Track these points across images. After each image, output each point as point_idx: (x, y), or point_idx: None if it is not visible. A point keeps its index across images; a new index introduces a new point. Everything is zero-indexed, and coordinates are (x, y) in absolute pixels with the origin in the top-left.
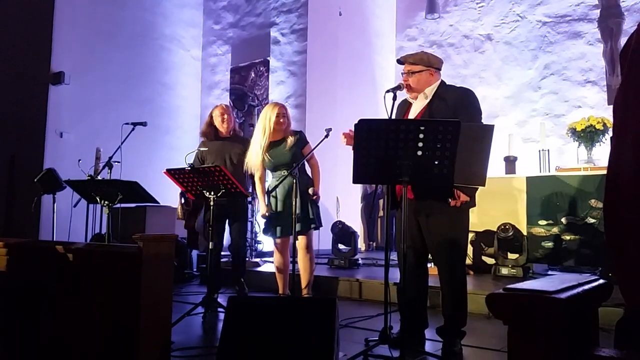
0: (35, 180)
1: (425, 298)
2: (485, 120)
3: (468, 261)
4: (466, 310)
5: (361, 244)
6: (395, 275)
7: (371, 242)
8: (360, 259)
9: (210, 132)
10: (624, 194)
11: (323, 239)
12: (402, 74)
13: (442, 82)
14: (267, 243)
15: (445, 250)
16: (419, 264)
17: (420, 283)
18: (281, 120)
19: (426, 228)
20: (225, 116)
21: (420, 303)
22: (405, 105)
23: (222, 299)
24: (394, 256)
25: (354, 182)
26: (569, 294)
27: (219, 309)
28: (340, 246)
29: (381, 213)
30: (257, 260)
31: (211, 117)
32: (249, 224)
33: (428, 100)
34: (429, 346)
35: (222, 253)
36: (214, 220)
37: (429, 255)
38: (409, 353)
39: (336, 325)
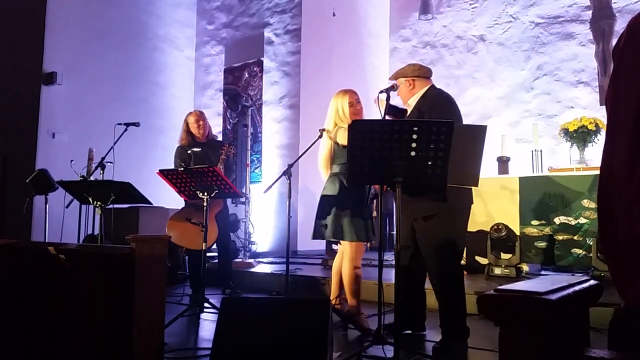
0: (27, 180)
1: (422, 293)
2: (478, 121)
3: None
4: (460, 314)
5: None
6: (388, 275)
7: (365, 243)
8: None
9: (187, 138)
10: (616, 191)
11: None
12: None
13: (427, 90)
14: (260, 244)
15: (435, 256)
16: (415, 263)
17: (418, 282)
18: (358, 108)
19: (418, 231)
20: (201, 122)
21: (417, 300)
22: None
23: (215, 300)
24: (387, 256)
25: (349, 183)
26: (559, 295)
27: (212, 310)
28: (334, 247)
29: (375, 214)
30: (251, 260)
31: (187, 123)
32: (242, 224)
33: (410, 109)
34: (427, 347)
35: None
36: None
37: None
38: (403, 352)
39: (330, 326)
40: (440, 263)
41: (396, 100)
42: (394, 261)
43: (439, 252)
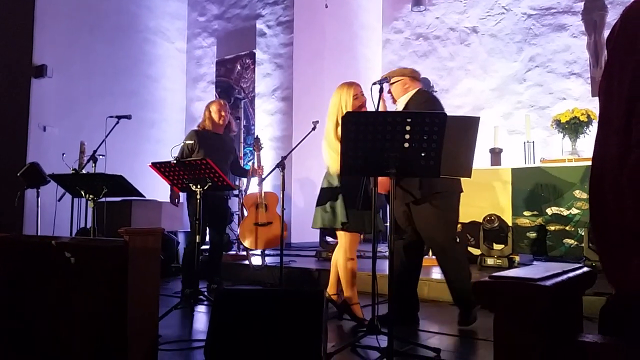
0: (19, 174)
1: (416, 282)
2: (470, 112)
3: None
4: (468, 282)
5: None
6: (382, 266)
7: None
8: None
9: (209, 126)
10: (608, 179)
11: (311, 231)
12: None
13: (417, 91)
14: None
15: (434, 234)
16: (410, 253)
17: (414, 272)
18: (364, 101)
19: (414, 213)
20: (222, 112)
21: (411, 292)
22: None
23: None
24: (381, 248)
25: (342, 174)
26: (554, 281)
27: (206, 302)
28: (328, 238)
29: None
30: (245, 253)
31: (209, 111)
32: (236, 217)
33: (402, 107)
34: (420, 337)
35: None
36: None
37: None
38: (397, 342)
39: (324, 317)
40: (440, 240)
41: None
42: (387, 252)
43: (436, 231)
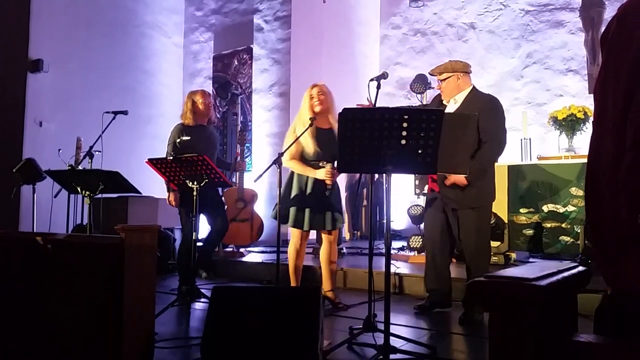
0: (14, 170)
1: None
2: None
3: None
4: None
5: (345, 233)
6: (379, 264)
7: (355, 232)
8: (344, 248)
9: (192, 117)
10: (604, 177)
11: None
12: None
13: (473, 88)
14: None
15: (475, 241)
16: (445, 253)
17: (448, 268)
18: (321, 98)
19: (462, 218)
20: (208, 102)
21: (449, 282)
22: (440, 107)
23: (205, 290)
24: (378, 244)
25: (340, 171)
26: (549, 281)
27: (203, 300)
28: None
29: (365, 202)
30: (242, 250)
31: (192, 102)
32: None
33: (458, 105)
34: (417, 335)
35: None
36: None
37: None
38: (393, 339)
39: (321, 314)
40: (479, 247)
41: (387, 88)
42: (384, 249)
43: (477, 237)
